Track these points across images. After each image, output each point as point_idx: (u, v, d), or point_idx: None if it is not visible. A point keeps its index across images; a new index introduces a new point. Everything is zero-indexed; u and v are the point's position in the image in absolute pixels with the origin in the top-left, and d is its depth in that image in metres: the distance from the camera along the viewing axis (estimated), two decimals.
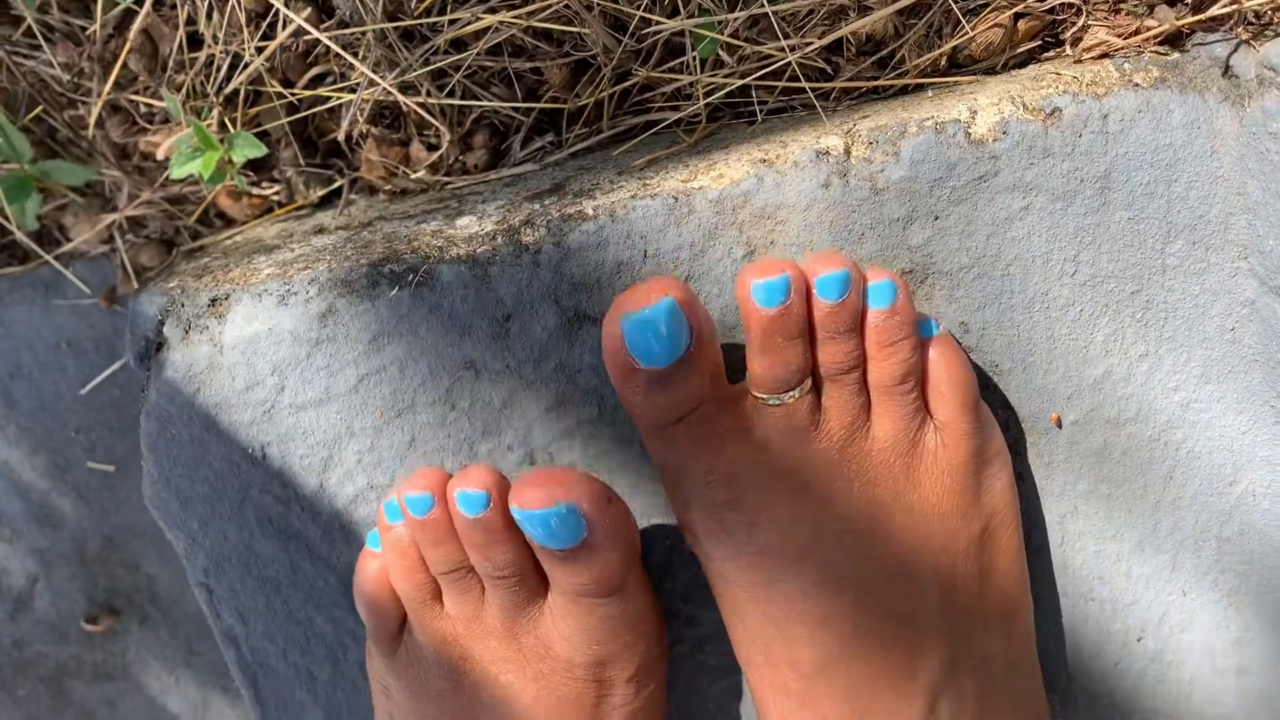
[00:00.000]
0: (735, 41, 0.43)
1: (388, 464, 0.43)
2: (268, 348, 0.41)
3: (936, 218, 0.38)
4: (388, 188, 0.53)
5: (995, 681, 0.38)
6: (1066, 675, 0.45)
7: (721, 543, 0.38)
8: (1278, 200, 0.35)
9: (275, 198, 0.56)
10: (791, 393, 0.37)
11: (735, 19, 0.42)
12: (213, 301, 0.42)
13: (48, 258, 0.61)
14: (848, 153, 0.38)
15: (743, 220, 0.39)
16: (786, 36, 0.42)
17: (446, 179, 0.52)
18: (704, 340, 0.36)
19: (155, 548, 0.71)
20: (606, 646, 0.39)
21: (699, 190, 0.39)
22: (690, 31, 0.43)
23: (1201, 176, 0.37)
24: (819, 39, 0.41)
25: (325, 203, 0.55)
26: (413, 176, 0.52)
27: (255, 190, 0.56)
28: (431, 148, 0.52)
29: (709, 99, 0.45)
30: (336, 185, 0.55)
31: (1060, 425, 0.41)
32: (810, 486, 0.37)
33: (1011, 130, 0.37)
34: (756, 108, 0.45)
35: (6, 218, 0.62)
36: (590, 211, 0.40)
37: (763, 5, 0.42)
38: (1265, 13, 0.35)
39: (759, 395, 0.37)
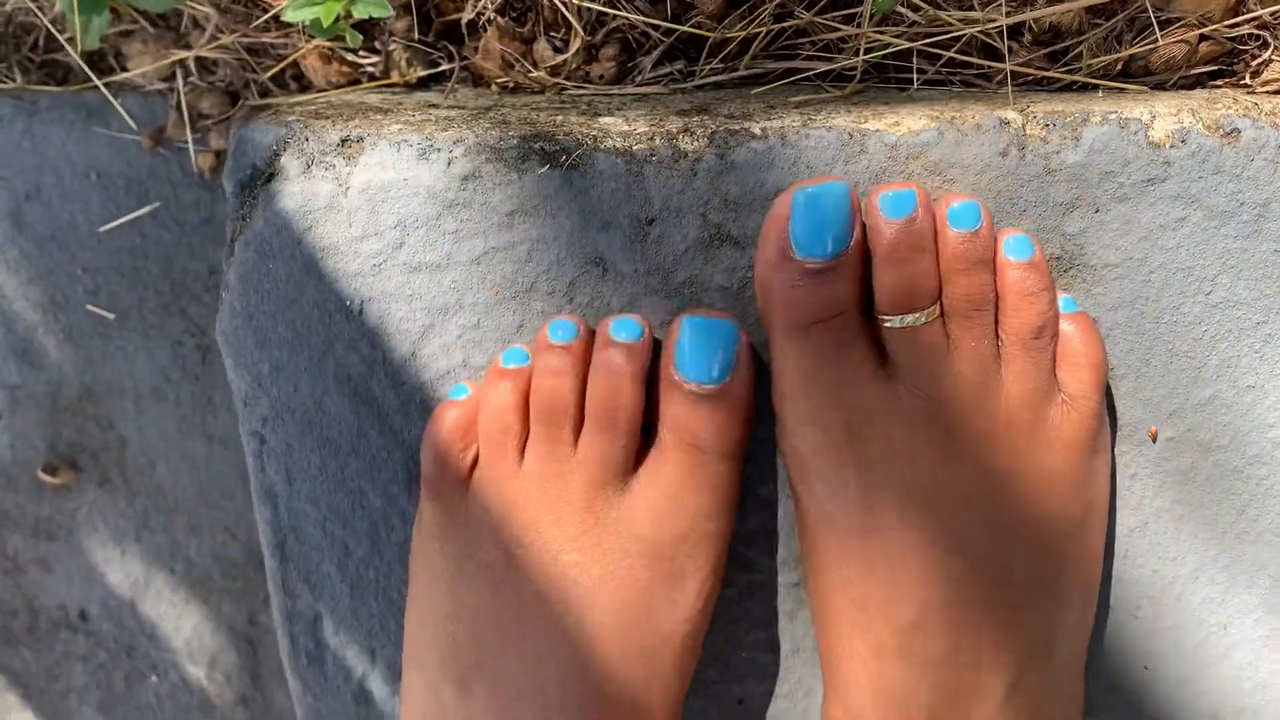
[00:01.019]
0: (908, 7, 0.44)
1: (488, 345, 0.41)
2: (397, 200, 0.40)
3: (1097, 210, 0.39)
4: (500, 80, 0.52)
5: (1060, 665, 0.39)
6: (1093, 688, 0.45)
7: (832, 475, 0.37)
8: None
9: (370, 68, 0.55)
10: (918, 314, 0.37)
11: None
12: (344, 141, 0.40)
13: (98, 83, 0.58)
14: (1024, 130, 0.39)
15: (913, 171, 0.39)
16: (969, 8, 0.42)
17: (565, 84, 0.51)
18: (862, 246, 0.36)
19: (136, 410, 0.68)
20: (694, 524, 0.38)
21: (875, 132, 0.39)
22: None
23: None
24: (1004, 17, 0.42)
25: (420, 86, 0.54)
26: (531, 74, 0.51)
27: (351, 56, 0.54)
28: (557, 50, 0.51)
29: (868, 56, 0.45)
30: (441, 69, 0.53)
31: (1155, 440, 0.42)
32: (938, 430, 0.37)
33: (1190, 141, 0.38)
34: (915, 75, 0.45)
35: (60, 31, 0.59)
36: (758, 131, 0.39)
37: None
38: None
39: (885, 316, 0.37)
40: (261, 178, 0.42)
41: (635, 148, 0.40)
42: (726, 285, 0.41)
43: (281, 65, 0.57)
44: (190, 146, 0.61)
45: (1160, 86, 0.42)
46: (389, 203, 0.40)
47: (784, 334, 0.38)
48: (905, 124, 0.39)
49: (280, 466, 0.44)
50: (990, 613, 0.37)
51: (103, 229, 0.64)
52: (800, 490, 0.39)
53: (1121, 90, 0.42)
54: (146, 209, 0.63)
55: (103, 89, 0.57)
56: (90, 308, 0.65)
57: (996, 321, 0.38)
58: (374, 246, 0.40)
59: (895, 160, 0.39)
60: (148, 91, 0.62)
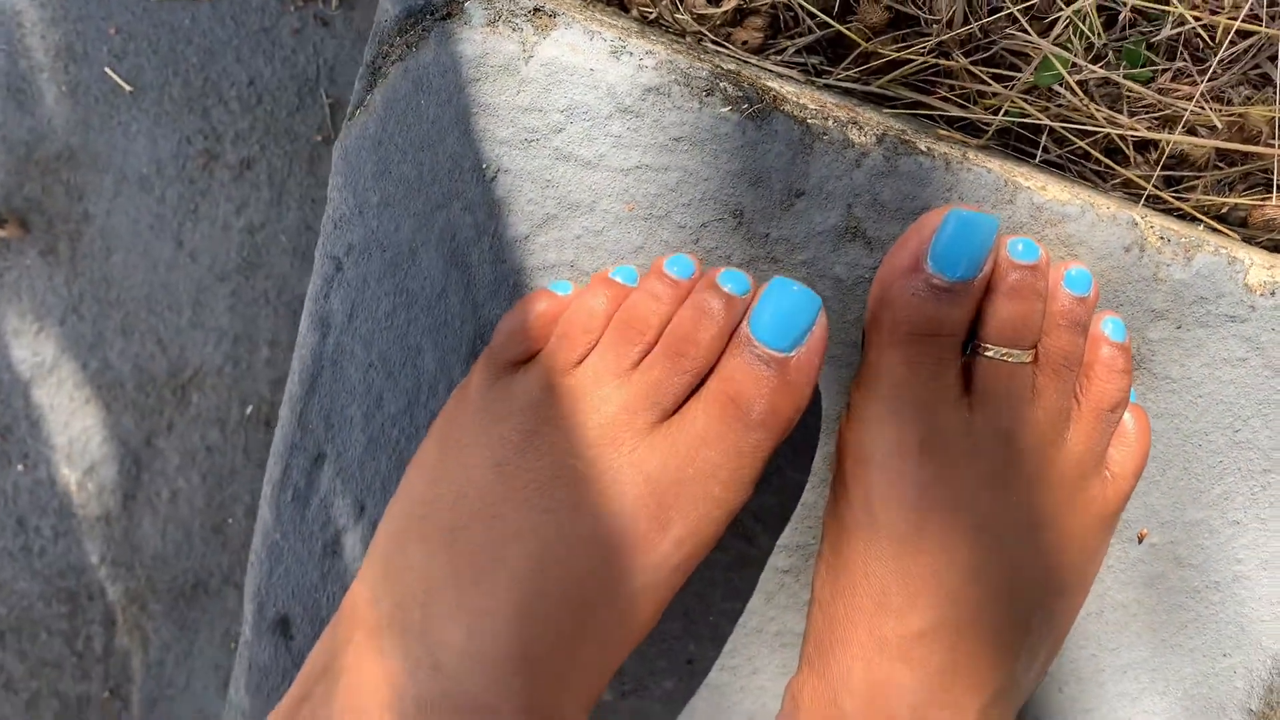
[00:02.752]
0: (1066, 89, 0.47)
1: (602, 256, 0.42)
2: (575, 86, 0.40)
3: (1179, 327, 0.43)
4: (645, 9, 0.52)
5: (1015, 709, 0.42)
6: None
7: (894, 481, 0.40)
8: None
9: None
10: (1020, 352, 0.39)
11: (1088, 68, 0.45)
12: (536, 10, 0.40)
13: None
14: (1144, 235, 0.42)
15: (1046, 235, 0.42)
16: (1118, 110, 0.46)
17: (706, 35, 0.51)
18: (986, 281, 0.39)
19: (115, 190, 0.64)
20: (699, 479, 0.39)
21: (1025, 189, 0.41)
22: (1038, 54, 0.46)
23: None
24: (1144, 129, 0.45)
25: None
26: (678, 15, 0.51)
27: None
28: (711, 2, 0.51)
29: (1007, 119, 0.48)
30: None
31: (1140, 542, 0.46)
32: (1001, 466, 0.39)
33: (1278, 295, 0.42)
34: (1039, 151, 0.48)
35: None
36: (925, 149, 0.41)
37: (1119, 76, 0.45)
38: None
39: (987, 346, 0.40)
40: (438, 12, 0.41)
41: (810, 121, 0.41)
42: (843, 278, 0.42)
43: None
44: None
45: (1247, 241, 0.46)
46: (566, 85, 0.40)
47: (889, 336, 0.40)
48: (1052, 191, 0.42)
49: (347, 298, 0.43)
50: (990, 643, 0.40)
51: None
52: (852, 486, 0.41)
53: (1217, 231, 0.46)
54: None
55: None
56: (108, 71, 0.61)
57: (1078, 386, 0.41)
58: (533, 122, 0.40)
59: (1036, 220, 0.41)
60: None
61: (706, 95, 0.40)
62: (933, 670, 0.39)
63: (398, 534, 0.41)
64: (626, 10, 0.53)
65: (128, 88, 0.61)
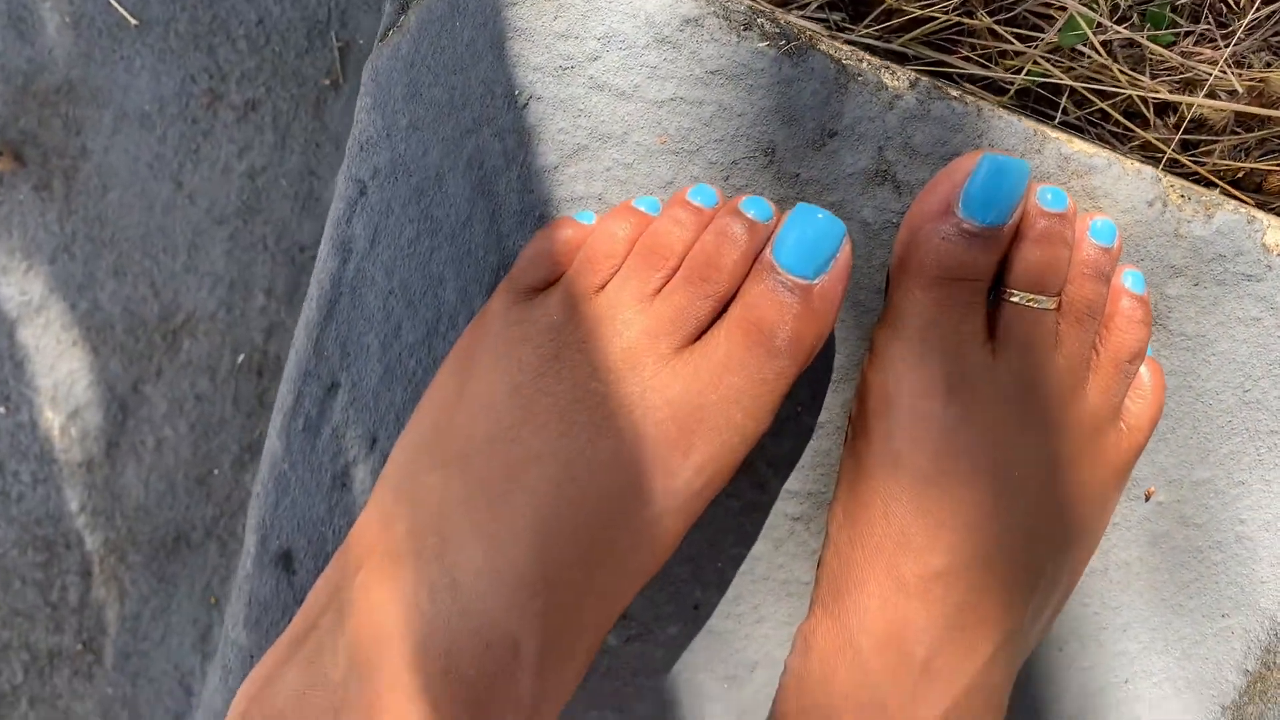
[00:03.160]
0: (1090, 49, 0.47)
1: (631, 189, 0.42)
2: (614, 13, 0.40)
3: (1196, 284, 0.43)
4: None
5: (1023, 656, 0.43)
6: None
7: (918, 423, 0.40)
8: None
9: None
10: (1044, 298, 0.40)
11: (1112, 29, 0.46)
12: None
13: None
14: (1167, 192, 0.43)
15: (1072, 186, 0.42)
16: (1140, 71, 0.46)
17: None
18: (1015, 229, 0.39)
19: (114, 127, 0.63)
20: (721, 405, 0.39)
21: (1054, 139, 0.42)
22: (1065, 11, 0.47)
23: None
24: (1166, 92, 0.46)
25: None
26: None
27: None
28: None
29: (1028, 78, 0.48)
30: None
31: (1148, 500, 0.46)
32: (1023, 410, 0.40)
33: None
34: (1059, 112, 0.48)
35: None
36: (957, 95, 0.42)
37: (1143, 36, 0.46)
38: None
39: (1013, 291, 0.40)
40: None
41: (846, 61, 0.41)
42: (870, 221, 0.42)
43: None
44: None
45: (1261, 207, 0.47)
46: (604, 12, 0.40)
47: (917, 278, 0.40)
48: (1078, 144, 0.42)
49: (370, 223, 0.42)
50: (1006, 585, 0.40)
51: None
52: (875, 427, 0.41)
53: (1233, 197, 0.46)
54: None
55: None
56: (113, 2, 0.60)
57: (1098, 336, 0.41)
58: (570, 48, 0.40)
59: (1063, 170, 0.42)
60: None
61: (745, 29, 0.40)
62: (950, 610, 0.40)
63: (410, 461, 0.40)
64: None
65: (133, 21, 0.60)
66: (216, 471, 0.69)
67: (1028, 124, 0.42)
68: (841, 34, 0.51)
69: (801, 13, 0.51)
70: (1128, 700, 0.49)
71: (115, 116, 0.62)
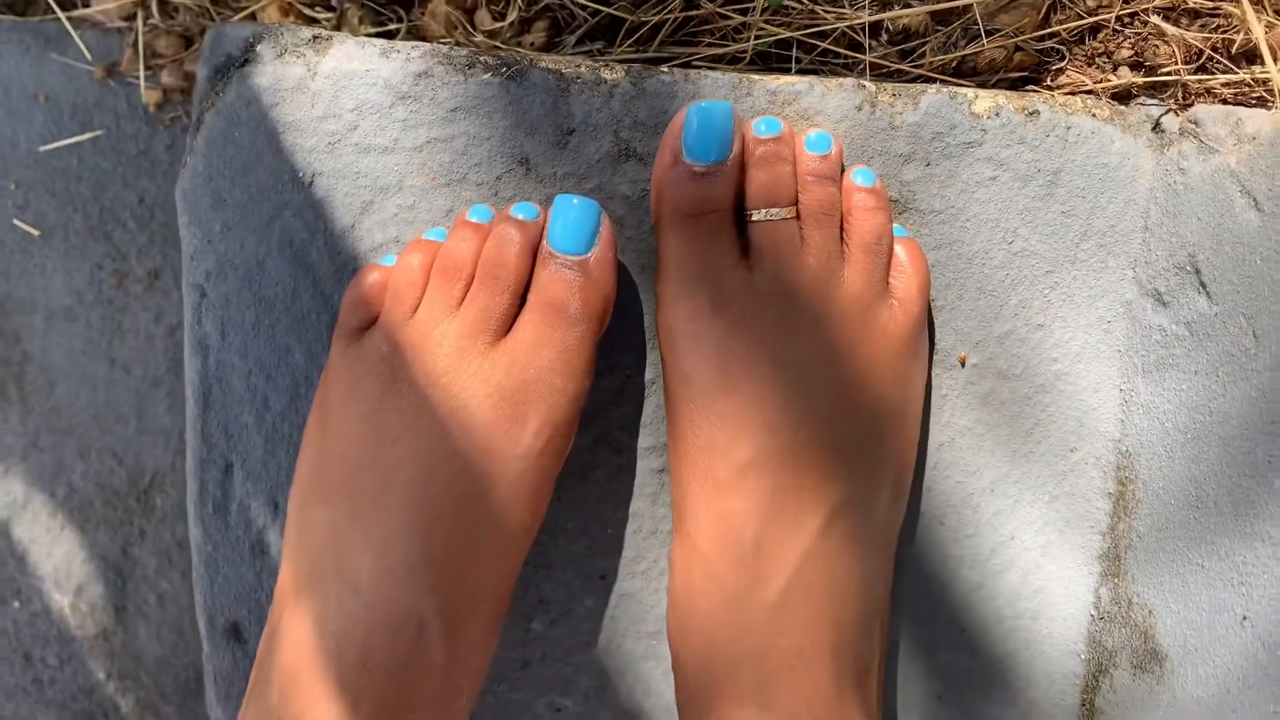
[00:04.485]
0: (794, 2, 0.53)
1: (421, 225, 0.48)
2: (358, 87, 0.47)
3: (928, 164, 0.49)
4: (444, 40, 0.60)
5: (871, 532, 0.47)
6: (900, 585, 0.53)
7: (695, 342, 0.45)
8: (1172, 221, 0.48)
9: (324, 23, 0.62)
10: (779, 210, 0.45)
11: None
12: (315, 38, 0.47)
13: (61, 16, 0.64)
14: (876, 95, 0.49)
15: (787, 113, 0.48)
16: (841, 7, 0.53)
17: (501, 48, 0.59)
18: (739, 161, 0.45)
19: (46, 327, 0.71)
20: (541, 376, 0.45)
21: (759, 81, 0.48)
22: None
23: (1121, 196, 0.49)
24: (867, 15, 0.52)
25: None
26: (473, 38, 0.59)
27: (308, 10, 0.62)
28: (496, 19, 0.59)
29: (758, 42, 0.54)
30: (390, 29, 0.61)
31: (964, 365, 0.51)
32: (785, 310, 0.45)
33: (1002, 115, 0.48)
34: (794, 63, 0.54)
35: None
36: (665, 70, 0.48)
37: None
38: (1193, 90, 0.48)
39: (752, 211, 0.46)
40: (236, 64, 0.48)
41: (564, 70, 0.48)
42: (629, 194, 0.49)
43: (241, 16, 0.64)
44: (141, 82, 0.67)
45: (983, 85, 0.53)
46: (350, 89, 0.47)
47: (668, 223, 0.46)
48: (783, 80, 0.48)
49: (216, 319, 0.49)
50: (812, 462, 0.45)
51: (42, 149, 0.68)
52: (668, 358, 0.46)
53: (958, 85, 0.52)
54: (88, 135, 0.68)
55: (64, 20, 0.63)
56: (16, 222, 0.69)
57: (843, 232, 0.47)
58: (331, 126, 0.47)
59: (774, 103, 0.48)
60: (107, 28, 0.68)
61: (469, 68, 0.47)
62: (765, 494, 0.44)
63: (299, 508, 0.47)
64: (426, 40, 0.60)
65: (35, 233, 0.69)
66: None
67: (731, 75, 0.48)
68: (605, 55, 0.58)
69: (568, 49, 0.58)
70: (1019, 553, 0.53)
71: (44, 318, 0.71)
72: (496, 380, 0.45)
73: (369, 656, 0.43)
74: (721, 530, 0.45)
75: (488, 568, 0.45)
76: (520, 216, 0.46)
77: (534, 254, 0.46)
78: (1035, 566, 0.53)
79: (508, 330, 0.46)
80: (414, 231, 0.48)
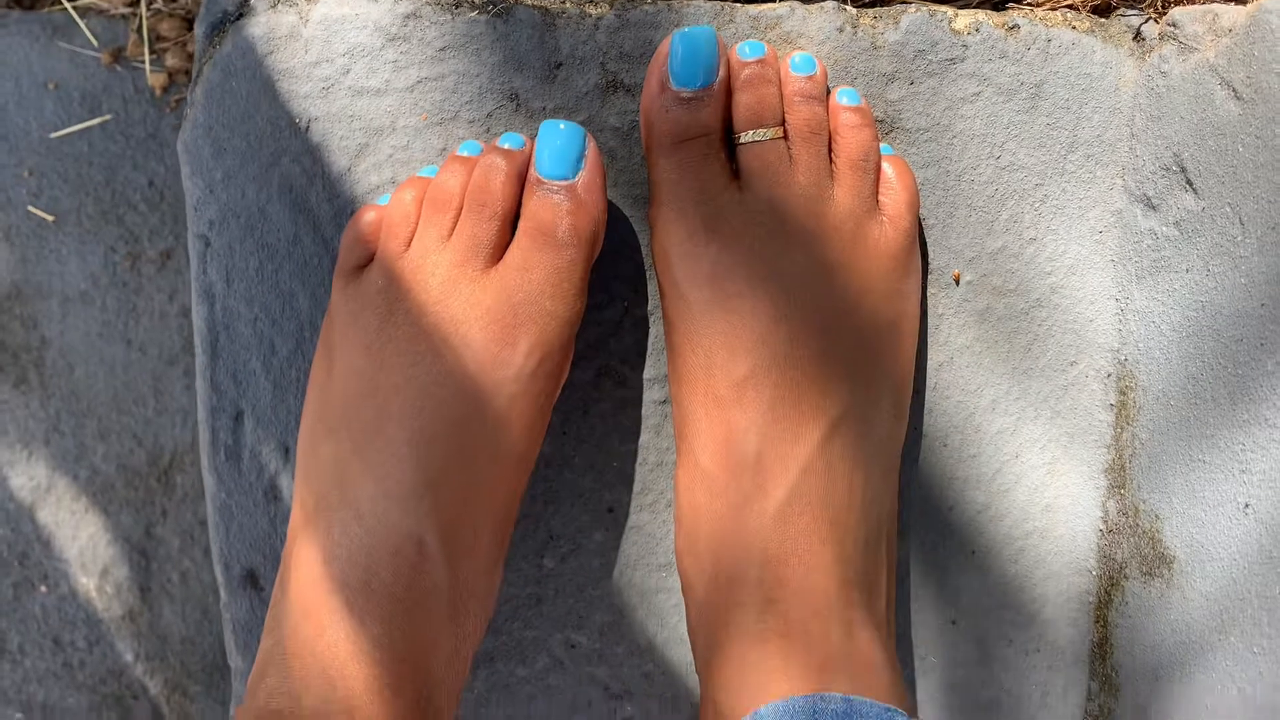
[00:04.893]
0: None
1: (416, 164, 0.49)
2: (348, 31, 0.48)
3: (912, 82, 0.49)
4: None
5: (872, 446, 0.47)
6: (908, 511, 0.53)
7: (690, 263, 0.46)
8: (1156, 125, 0.48)
9: None
10: (766, 130, 0.46)
11: None
12: None
13: (67, 4, 0.66)
14: (857, 17, 0.49)
15: (770, 37, 0.49)
16: None
17: None
18: (725, 86, 0.46)
19: (62, 312, 0.72)
20: (532, 298, 0.45)
21: (742, 7, 0.49)
22: None
23: (1105, 105, 0.50)
24: None
25: None
26: None
27: None
28: None
29: None
30: None
31: (958, 283, 0.51)
32: (777, 227, 0.45)
33: (982, 30, 0.49)
34: None
35: None
36: (649, 0, 0.49)
37: None
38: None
39: (740, 134, 0.46)
40: (231, 18, 0.49)
41: (549, 4, 0.49)
42: (618, 126, 0.49)
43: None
44: (146, 66, 0.68)
45: (966, 6, 0.53)
46: (340, 34, 0.48)
47: (658, 149, 0.47)
48: (764, 5, 0.49)
49: (221, 267, 0.50)
50: (809, 375, 0.45)
51: (53, 135, 0.70)
52: (664, 282, 0.47)
53: (935, 3, 0.53)
54: (97, 120, 0.70)
55: (70, 8, 0.65)
56: (31, 209, 0.71)
57: (831, 152, 0.47)
58: (325, 71, 0.48)
59: (756, 28, 0.49)
60: (112, 15, 0.70)
61: (456, 8, 0.48)
62: (764, 406, 0.45)
63: (307, 445, 0.47)
64: None
65: (50, 218, 0.71)
66: None
67: (713, 3, 0.49)
68: None
69: None
70: (1025, 471, 0.53)
71: (60, 303, 0.72)
72: (487, 304, 0.45)
73: (373, 578, 0.44)
74: (723, 445, 0.45)
75: (486, 491, 0.46)
76: (506, 145, 0.47)
77: (521, 182, 0.47)
78: (1042, 484, 0.53)
79: (499, 257, 0.46)
80: (409, 171, 0.49)
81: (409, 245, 0.47)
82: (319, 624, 0.44)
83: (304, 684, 0.43)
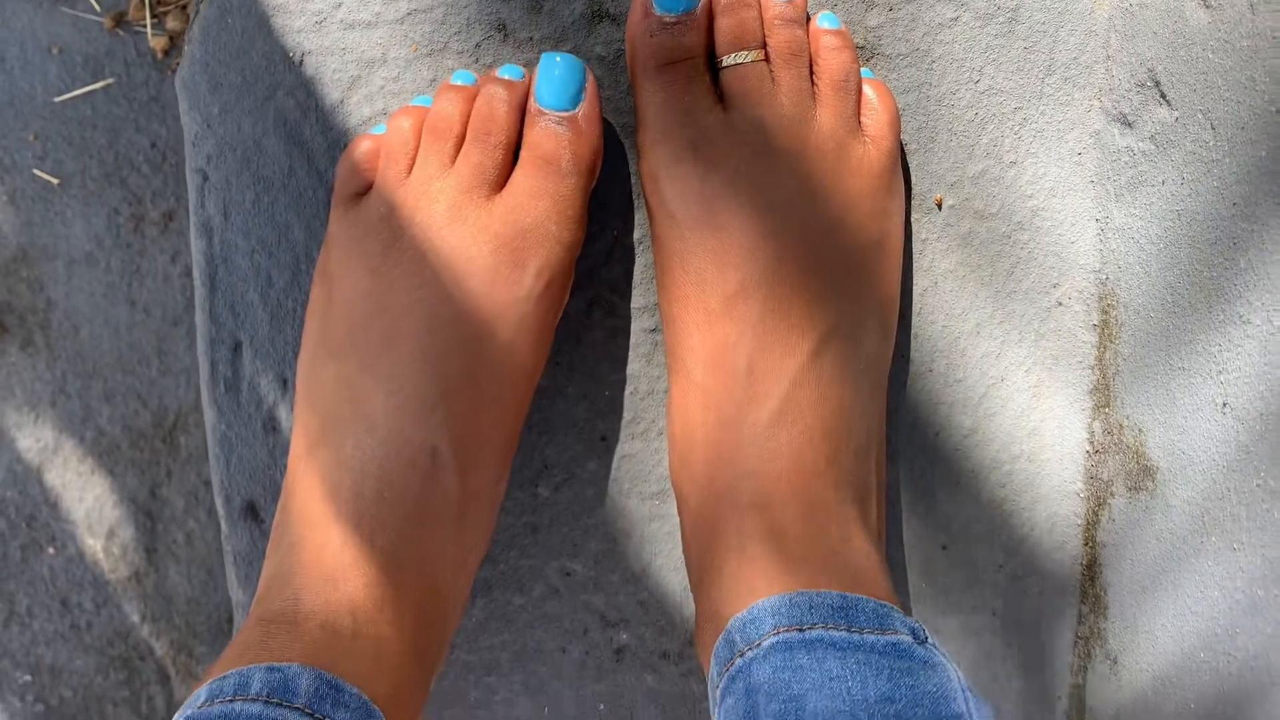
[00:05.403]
0: None
1: (407, 96, 0.50)
2: None
3: (891, 9, 0.50)
4: None
5: (860, 362, 0.48)
6: (896, 436, 0.54)
7: (678, 183, 0.47)
8: (1131, 44, 0.49)
9: None
10: (747, 53, 0.47)
11: None
12: None
13: None
14: None
15: None
16: None
17: None
18: (707, 10, 0.47)
19: (68, 274, 0.74)
20: (538, 223, 0.46)
21: None
22: None
23: (1081, 28, 0.51)
24: None
25: None
26: None
27: None
28: None
29: None
30: None
31: (941, 207, 0.52)
32: (762, 147, 0.47)
33: None
34: None
35: None
36: None
37: None
38: None
39: (724, 57, 0.47)
40: None
41: None
42: (604, 55, 0.51)
43: None
44: (148, 29, 0.70)
45: None
46: None
47: (643, 74, 0.48)
48: None
49: (219, 200, 0.51)
50: (798, 290, 0.46)
51: (57, 99, 0.71)
52: (653, 202, 0.48)
53: None
54: (100, 84, 0.71)
55: None
56: (36, 172, 0.72)
57: (812, 75, 0.48)
58: (317, 5, 0.50)
59: None
60: None
61: None
62: (755, 320, 0.46)
63: (308, 371, 0.48)
64: None
65: (55, 181, 0.72)
66: None
67: None
68: None
69: None
70: (1010, 395, 0.54)
71: (65, 264, 0.74)
72: (495, 229, 0.47)
73: (387, 488, 0.45)
74: (715, 358, 0.46)
75: (495, 405, 0.47)
76: (506, 76, 0.48)
77: (522, 112, 0.48)
78: (1027, 408, 0.54)
79: (502, 185, 0.48)
80: (400, 103, 0.50)
81: (409, 172, 0.48)
82: (325, 535, 0.45)
83: (306, 587, 0.44)
